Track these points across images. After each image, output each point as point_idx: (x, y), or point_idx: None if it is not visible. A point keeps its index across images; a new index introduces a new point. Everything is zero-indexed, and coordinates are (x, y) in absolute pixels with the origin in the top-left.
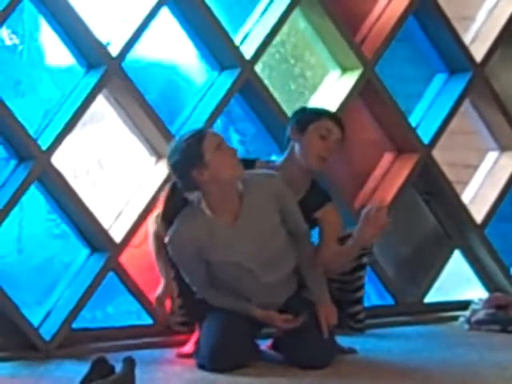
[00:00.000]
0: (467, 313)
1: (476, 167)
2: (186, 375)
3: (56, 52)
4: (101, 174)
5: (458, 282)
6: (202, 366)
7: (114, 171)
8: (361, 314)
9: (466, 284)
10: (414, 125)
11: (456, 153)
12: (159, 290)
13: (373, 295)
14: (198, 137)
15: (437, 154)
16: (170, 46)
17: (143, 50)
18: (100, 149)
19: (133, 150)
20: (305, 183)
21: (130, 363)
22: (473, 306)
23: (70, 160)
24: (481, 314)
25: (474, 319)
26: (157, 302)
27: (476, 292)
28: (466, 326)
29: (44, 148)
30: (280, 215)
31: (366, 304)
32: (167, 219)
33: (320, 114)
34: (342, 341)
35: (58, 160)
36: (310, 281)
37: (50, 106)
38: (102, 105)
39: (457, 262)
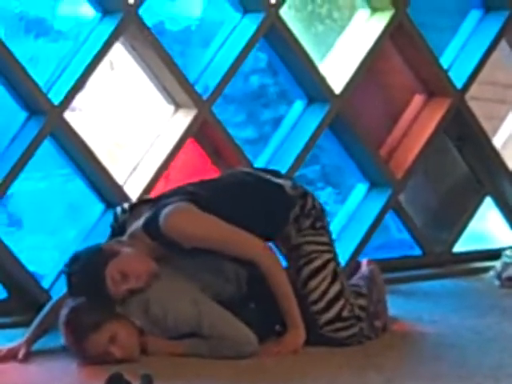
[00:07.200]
0: (498, 265)
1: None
2: None
3: None
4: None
5: (488, 230)
6: None
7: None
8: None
9: (496, 232)
10: (446, 66)
11: (492, 88)
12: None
13: (400, 245)
14: None
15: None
16: None
17: None
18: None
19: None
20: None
21: (147, 380)
22: (504, 259)
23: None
24: None
25: (505, 275)
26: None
27: (507, 241)
28: (497, 282)
29: (56, 103)
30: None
31: (395, 255)
32: None
33: None
34: None
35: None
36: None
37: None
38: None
39: (488, 209)
